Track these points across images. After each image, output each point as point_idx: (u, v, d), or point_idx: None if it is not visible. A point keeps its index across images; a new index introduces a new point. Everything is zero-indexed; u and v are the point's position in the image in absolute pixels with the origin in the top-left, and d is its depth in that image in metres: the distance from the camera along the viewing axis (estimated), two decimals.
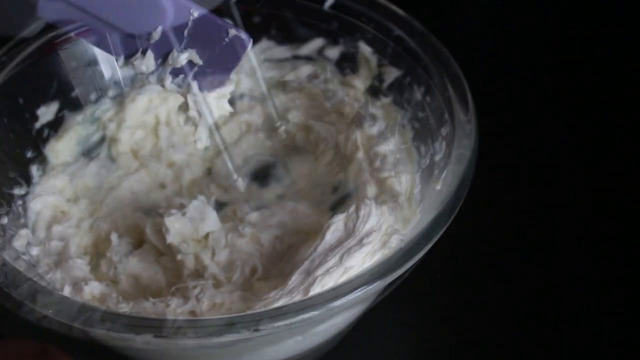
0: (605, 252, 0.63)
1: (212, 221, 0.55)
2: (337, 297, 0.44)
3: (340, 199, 0.62)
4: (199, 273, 0.54)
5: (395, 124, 0.59)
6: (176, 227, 0.54)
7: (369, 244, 0.49)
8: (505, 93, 0.74)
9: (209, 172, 0.65)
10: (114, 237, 0.56)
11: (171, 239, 0.53)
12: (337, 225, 0.50)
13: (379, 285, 0.45)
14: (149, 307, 0.51)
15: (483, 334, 0.58)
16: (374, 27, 0.60)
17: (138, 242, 0.58)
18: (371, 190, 0.55)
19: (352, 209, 0.51)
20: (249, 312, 0.47)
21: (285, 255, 0.53)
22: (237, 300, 0.51)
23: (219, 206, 0.62)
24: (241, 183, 0.60)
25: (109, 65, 0.60)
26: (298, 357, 0.55)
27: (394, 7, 0.59)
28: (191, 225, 0.54)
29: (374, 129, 0.59)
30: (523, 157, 0.70)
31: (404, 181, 0.55)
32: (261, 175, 0.65)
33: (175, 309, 0.51)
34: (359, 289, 0.44)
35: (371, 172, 0.57)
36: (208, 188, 0.63)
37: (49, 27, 0.55)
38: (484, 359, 0.58)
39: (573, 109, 0.74)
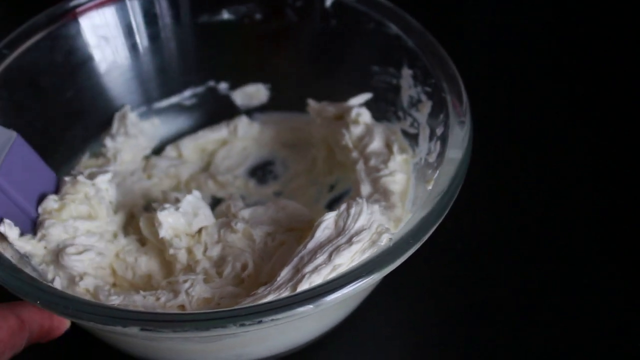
0: (605, 251, 0.62)
1: (205, 216, 0.55)
2: (323, 295, 0.44)
3: (336, 198, 0.62)
4: (192, 268, 0.54)
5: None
6: (169, 222, 0.54)
7: (358, 242, 0.48)
8: (504, 93, 0.74)
9: (207, 167, 0.65)
10: (120, 237, 0.56)
11: (163, 233, 0.54)
12: (327, 223, 0.50)
13: (366, 284, 0.44)
14: (138, 301, 0.52)
15: (483, 333, 0.58)
16: (372, 25, 0.60)
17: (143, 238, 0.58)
18: (365, 188, 0.55)
19: (344, 207, 0.51)
20: (235, 307, 0.47)
21: (276, 252, 0.53)
22: (226, 295, 0.52)
23: (216, 202, 0.62)
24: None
25: None
26: (299, 347, 0.56)
27: (391, 5, 0.59)
28: (184, 220, 0.54)
29: (359, 129, 0.59)
30: (523, 156, 0.69)
31: (398, 180, 0.55)
32: (259, 172, 0.65)
33: (165, 303, 0.51)
34: (345, 287, 0.44)
35: (366, 171, 0.56)
36: (206, 184, 0.63)
37: None
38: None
39: (572, 108, 0.73)
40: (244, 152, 0.65)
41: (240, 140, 0.66)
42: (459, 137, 0.51)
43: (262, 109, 0.68)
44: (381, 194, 0.55)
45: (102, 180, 0.55)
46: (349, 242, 0.49)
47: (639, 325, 0.58)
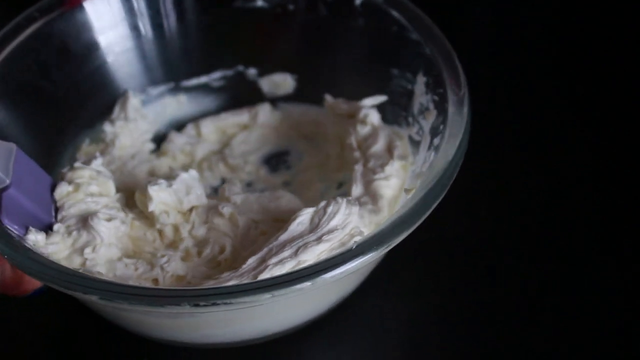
0: (605, 251, 0.62)
1: (197, 196, 0.56)
2: (277, 286, 0.44)
3: (343, 195, 0.61)
4: (176, 244, 0.55)
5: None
6: (160, 197, 0.55)
7: (327, 242, 0.48)
8: (504, 93, 0.74)
9: (223, 149, 0.66)
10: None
11: (152, 207, 0.55)
12: (303, 218, 0.50)
13: (323, 281, 0.44)
14: (119, 269, 0.53)
15: (482, 333, 0.58)
16: (396, 28, 0.59)
17: None
18: (357, 189, 0.55)
19: (322, 204, 0.51)
20: (191, 287, 0.48)
21: (257, 240, 0.53)
22: (198, 275, 0.52)
23: (223, 183, 0.63)
24: None
25: None
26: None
27: (416, 9, 0.59)
28: (175, 197, 0.55)
29: (365, 129, 0.58)
30: (523, 156, 0.69)
31: (392, 185, 0.55)
32: (273, 161, 0.65)
33: (141, 275, 0.53)
34: (292, 284, 0.44)
35: (363, 172, 0.56)
36: (217, 165, 0.64)
37: None
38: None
39: (572, 108, 0.73)
40: (261, 139, 0.66)
41: (260, 127, 0.66)
42: (448, 151, 0.50)
43: (287, 98, 0.68)
44: (370, 197, 0.54)
45: (97, 164, 0.56)
46: (319, 239, 0.49)
47: (639, 325, 0.57)
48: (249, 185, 0.64)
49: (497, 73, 0.75)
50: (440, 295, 0.60)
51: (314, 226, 0.50)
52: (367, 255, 0.45)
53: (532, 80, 0.75)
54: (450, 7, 0.59)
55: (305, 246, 0.48)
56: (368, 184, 0.55)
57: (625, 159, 0.68)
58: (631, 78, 0.75)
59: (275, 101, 0.68)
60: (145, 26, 0.64)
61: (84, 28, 0.61)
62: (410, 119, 0.58)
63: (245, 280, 0.48)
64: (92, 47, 0.62)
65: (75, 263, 0.52)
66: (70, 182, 0.54)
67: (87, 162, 0.56)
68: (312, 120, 0.66)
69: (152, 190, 0.54)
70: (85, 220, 0.53)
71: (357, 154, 0.58)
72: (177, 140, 0.65)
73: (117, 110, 0.64)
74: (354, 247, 0.46)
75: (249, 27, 0.66)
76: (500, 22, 0.82)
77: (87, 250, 0.52)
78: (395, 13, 0.60)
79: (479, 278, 0.60)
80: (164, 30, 0.65)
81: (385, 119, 0.61)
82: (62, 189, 0.54)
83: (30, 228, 0.51)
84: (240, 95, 0.68)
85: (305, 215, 0.51)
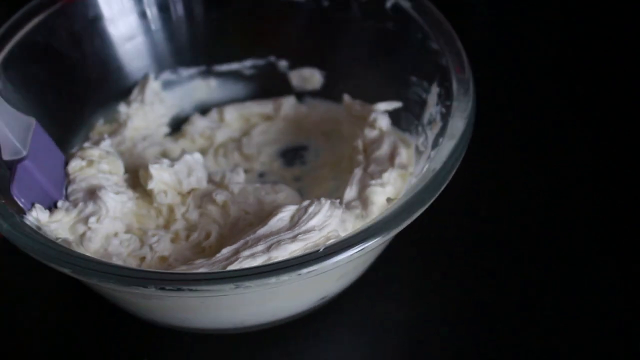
0: (605, 251, 0.62)
1: (197, 179, 0.57)
2: (242, 278, 0.44)
3: None
4: (169, 225, 0.56)
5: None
6: (160, 176, 0.56)
7: (302, 241, 0.48)
8: (504, 93, 0.74)
9: (242, 137, 0.66)
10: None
11: (152, 185, 0.56)
12: (283, 215, 0.51)
13: (289, 279, 0.45)
14: (112, 245, 0.54)
15: (482, 333, 0.58)
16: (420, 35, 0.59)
17: None
18: (350, 193, 0.55)
19: (305, 203, 0.51)
20: (159, 271, 0.49)
21: (243, 231, 0.54)
22: (180, 258, 0.53)
23: None
24: None
25: None
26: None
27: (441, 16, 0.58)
28: (175, 178, 0.56)
29: (373, 133, 0.58)
30: (523, 156, 0.69)
31: (386, 193, 0.54)
32: (290, 154, 0.65)
33: (130, 252, 0.54)
34: (254, 278, 0.44)
35: (361, 176, 0.56)
36: (232, 153, 0.65)
37: None
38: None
39: (572, 108, 0.73)
40: (282, 131, 0.66)
41: (283, 119, 0.66)
42: (440, 158, 0.50)
43: (314, 94, 0.68)
44: (362, 202, 0.54)
45: (106, 145, 0.58)
46: (294, 238, 0.49)
47: (639, 325, 0.57)
48: (261, 176, 0.64)
49: (497, 73, 0.74)
50: (440, 295, 0.60)
51: (292, 224, 0.50)
52: (334, 259, 0.45)
53: (532, 80, 0.75)
54: (450, 7, 0.59)
55: (278, 243, 0.49)
56: (363, 189, 0.54)
57: (625, 159, 0.68)
58: (631, 78, 0.74)
59: (302, 95, 0.68)
60: (177, 9, 0.65)
61: (109, 8, 0.63)
62: (420, 128, 0.58)
63: (216, 269, 0.48)
64: (118, 27, 0.64)
65: (77, 232, 0.53)
66: (83, 159, 0.56)
67: (97, 143, 0.57)
68: (334, 118, 0.65)
69: (153, 169, 0.56)
70: (93, 192, 0.54)
71: (360, 157, 0.58)
72: (199, 123, 0.66)
73: (135, 92, 0.66)
74: (321, 249, 0.45)
75: (283, 18, 0.66)
76: (501, 22, 0.82)
77: (92, 220, 0.53)
78: (420, 20, 0.59)
79: (479, 278, 0.60)
80: (197, 13, 0.66)
81: (399, 125, 0.60)
82: (76, 163, 0.56)
83: (35, 205, 0.52)
84: (269, 86, 0.68)
85: (286, 212, 0.51)
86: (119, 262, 0.52)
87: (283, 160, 0.65)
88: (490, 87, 0.63)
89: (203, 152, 0.65)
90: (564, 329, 0.57)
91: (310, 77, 0.67)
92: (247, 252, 0.48)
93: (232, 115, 0.67)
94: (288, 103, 0.67)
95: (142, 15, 0.65)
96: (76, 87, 0.63)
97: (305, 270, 0.44)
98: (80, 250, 0.52)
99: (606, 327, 0.57)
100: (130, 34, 0.65)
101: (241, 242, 0.50)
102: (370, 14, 0.62)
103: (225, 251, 0.49)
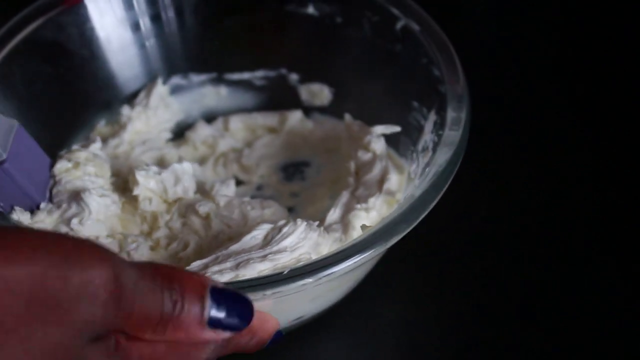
0: (605, 251, 0.62)
1: (183, 188, 0.56)
2: None
3: None
4: (151, 233, 0.56)
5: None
6: (147, 182, 0.55)
7: (271, 261, 0.48)
8: (504, 93, 0.74)
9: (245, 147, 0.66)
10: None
11: (137, 191, 0.56)
12: (257, 233, 0.50)
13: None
14: None
15: (482, 334, 0.58)
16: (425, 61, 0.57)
17: None
18: (333, 215, 0.54)
19: (281, 223, 0.50)
20: None
21: (222, 245, 0.53)
22: None
23: (237, 183, 0.63)
24: None
25: None
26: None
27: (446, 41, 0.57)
28: (162, 185, 0.56)
29: (366, 156, 0.57)
30: (523, 156, 0.70)
31: (370, 218, 0.53)
32: (291, 169, 0.65)
33: None
34: None
35: (348, 199, 0.55)
36: (232, 163, 0.64)
37: None
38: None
39: (572, 108, 0.73)
40: (285, 145, 0.65)
41: (287, 133, 0.66)
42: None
43: (322, 110, 0.67)
44: (343, 226, 0.53)
45: (95, 147, 0.58)
46: (264, 257, 0.48)
47: (639, 325, 0.57)
48: (258, 189, 0.64)
49: (497, 73, 0.75)
50: (440, 295, 0.60)
51: (265, 243, 0.49)
52: (299, 282, 0.44)
53: (532, 80, 0.76)
54: (450, 7, 0.58)
55: (247, 261, 0.48)
56: (347, 212, 0.53)
57: (625, 159, 0.68)
58: (631, 78, 0.75)
59: (310, 111, 0.67)
60: (193, 14, 0.65)
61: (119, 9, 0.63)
62: (414, 155, 0.56)
63: None
64: (128, 29, 0.64)
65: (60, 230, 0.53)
66: (69, 160, 0.56)
67: (86, 146, 0.57)
68: (338, 136, 0.64)
69: (139, 175, 0.55)
70: (77, 195, 0.54)
71: (351, 179, 0.57)
72: (202, 131, 0.66)
73: (141, 95, 0.66)
74: (285, 272, 0.45)
75: (295, 31, 0.65)
76: (501, 22, 0.83)
77: (74, 221, 0.53)
78: (427, 44, 0.57)
79: (479, 278, 0.61)
80: (212, 19, 0.66)
81: (398, 150, 0.59)
82: (62, 165, 0.56)
83: (15, 208, 0.52)
84: (279, 98, 0.68)
85: (261, 231, 0.50)
86: None
87: (283, 175, 0.64)
88: (490, 87, 0.67)
89: (204, 160, 0.65)
90: (563, 329, 0.57)
91: (319, 93, 0.66)
92: (215, 268, 0.48)
93: (237, 125, 0.66)
94: (294, 117, 0.66)
95: (156, 18, 0.65)
96: (80, 86, 0.63)
97: (269, 292, 0.44)
98: None
99: (606, 327, 0.57)
100: (144, 35, 0.65)
101: (212, 257, 0.49)
102: (381, 34, 0.61)
103: (195, 265, 0.49)
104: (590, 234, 0.63)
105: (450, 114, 0.53)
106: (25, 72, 0.60)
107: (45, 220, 0.53)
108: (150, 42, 0.65)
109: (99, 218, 0.54)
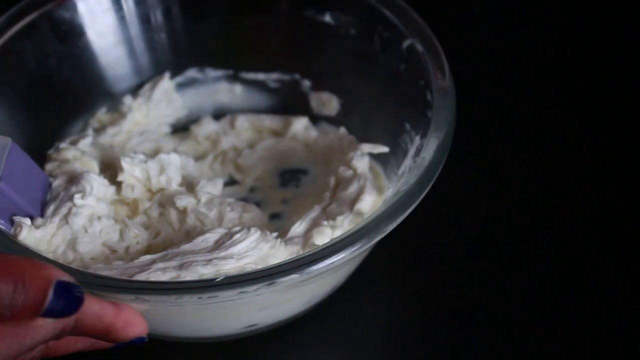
0: (605, 251, 0.62)
1: (167, 179, 0.57)
2: (138, 291, 0.44)
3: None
4: (132, 217, 0.57)
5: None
6: (131, 170, 0.56)
7: (214, 266, 0.48)
8: (504, 93, 0.74)
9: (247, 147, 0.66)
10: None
11: (121, 177, 0.56)
12: (210, 236, 0.50)
13: (168, 302, 0.44)
14: (92, 229, 0.54)
15: (482, 334, 0.58)
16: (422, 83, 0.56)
17: None
18: (297, 229, 0.53)
19: (235, 229, 0.50)
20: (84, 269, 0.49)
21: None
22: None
23: (232, 182, 0.64)
24: None
25: None
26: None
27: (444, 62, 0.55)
28: (146, 174, 0.57)
29: (347, 173, 0.56)
30: (522, 156, 0.69)
31: (335, 236, 0.52)
32: (287, 175, 0.65)
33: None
34: (147, 293, 0.44)
35: (317, 214, 0.54)
36: (229, 162, 0.64)
37: None
38: None
39: (572, 108, 0.73)
40: (286, 150, 0.65)
41: (290, 138, 0.65)
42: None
43: (330, 119, 0.66)
44: (304, 240, 0.52)
45: (84, 144, 0.59)
46: (208, 262, 0.48)
47: (639, 325, 0.58)
48: (251, 191, 0.63)
49: (497, 73, 0.75)
50: (440, 295, 0.60)
51: (215, 247, 0.50)
52: (233, 291, 0.44)
53: (531, 80, 0.76)
54: (450, 7, 0.57)
55: (192, 263, 0.48)
56: (312, 227, 0.53)
57: (625, 159, 0.68)
58: (631, 78, 0.75)
59: (318, 119, 0.66)
60: (212, 10, 0.65)
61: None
62: (395, 178, 0.55)
63: (125, 274, 0.48)
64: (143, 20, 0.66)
65: (62, 212, 0.53)
66: (56, 160, 0.58)
67: (75, 142, 0.58)
68: (336, 148, 0.64)
69: (124, 162, 0.56)
70: (75, 178, 0.55)
71: (327, 194, 0.56)
72: (208, 126, 0.66)
73: (147, 87, 0.66)
74: (218, 279, 0.44)
75: (310, 38, 0.65)
76: (500, 23, 0.82)
77: (77, 196, 0.53)
78: (428, 66, 0.56)
79: (478, 278, 0.61)
80: (231, 18, 0.66)
81: (385, 170, 0.58)
82: (52, 165, 0.58)
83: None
84: (290, 103, 0.67)
85: (214, 234, 0.50)
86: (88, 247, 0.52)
87: (279, 180, 0.64)
88: (490, 87, 0.67)
89: (204, 155, 0.65)
90: (563, 329, 0.58)
91: (328, 102, 0.66)
92: (161, 265, 0.48)
93: (244, 124, 0.66)
94: (299, 124, 0.65)
95: (167, 13, 0.66)
96: (88, 69, 0.65)
97: (206, 295, 0.43)
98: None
99: (606, 327, 0.58)
100: (159, 26, 0.66)
101: (162, 253, 0.50)
102: (389, 51, 0.60)
103: (145, 258, 0.49)
104: (589, 234, 0.63)
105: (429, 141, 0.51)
106: (38, 50, 0.61)
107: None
108: (160, 37, 0.66)
109: (99, 197, 0.55)
